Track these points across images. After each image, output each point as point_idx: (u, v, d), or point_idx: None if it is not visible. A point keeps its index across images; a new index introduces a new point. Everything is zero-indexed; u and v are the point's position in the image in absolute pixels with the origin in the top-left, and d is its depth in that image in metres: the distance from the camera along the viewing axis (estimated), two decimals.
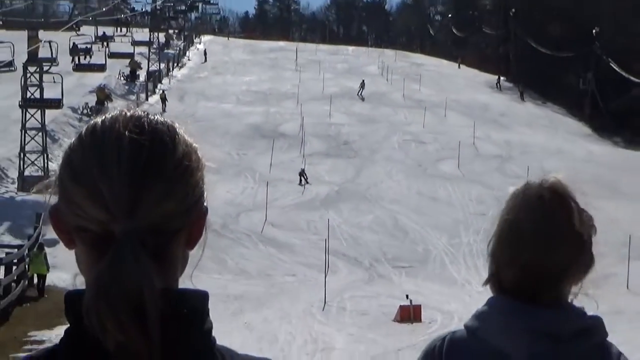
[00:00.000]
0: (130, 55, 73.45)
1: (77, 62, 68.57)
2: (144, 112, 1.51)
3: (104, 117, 1.50)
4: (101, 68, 64.86)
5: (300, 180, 48.58)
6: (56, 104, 47.56)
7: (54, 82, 47.46)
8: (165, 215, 1.42)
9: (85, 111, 58.45)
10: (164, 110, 63.34)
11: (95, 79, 64.46)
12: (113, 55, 71.62)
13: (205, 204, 1.52)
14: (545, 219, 2.29)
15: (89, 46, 75.18)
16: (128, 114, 1.49)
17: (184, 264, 1.53)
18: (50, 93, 46.83)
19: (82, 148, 1.45)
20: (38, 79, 46.26)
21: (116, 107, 1.56)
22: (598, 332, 2.27)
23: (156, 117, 1.50)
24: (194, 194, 1.48)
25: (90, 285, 1.36)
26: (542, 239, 2.28)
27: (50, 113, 48.68)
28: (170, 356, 1.37)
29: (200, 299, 1.47)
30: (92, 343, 1.36)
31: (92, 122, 1.50)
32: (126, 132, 1.43)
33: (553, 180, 2.32)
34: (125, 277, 1.33)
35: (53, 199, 1.49)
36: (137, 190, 1.40)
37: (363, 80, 72.27)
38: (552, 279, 2.27)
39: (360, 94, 70.75)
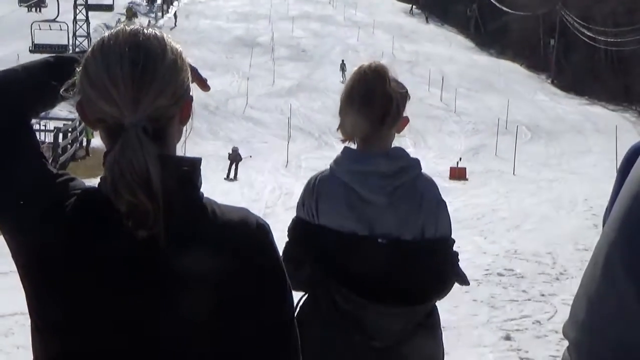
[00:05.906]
0: None
1: (85, 2, 49.99)
2: (140, 27, 1.38)
3: (109, 33, 1.39)
4: (108, 8, 48.41)
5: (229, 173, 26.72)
6: (62, 49, 38.59)
7: (60, 29, 41.61)
8: (160, 108, 1.34)
9: (117, 25, 56.86)
10: (175, 25, 61.88)
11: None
12: None
13: (190, 93, 1.42)
14: (364, 83, 2.33)
15: None
16: (127, 30, 1.37)
17: (179, 135, 1.44)
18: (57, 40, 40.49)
19: (94, 59, 1.34)
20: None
21: (123, 23, 1.42)
22: (414, 169, 2.32)
23: (149, 31, 1.38)
24: (181, 89, 1.38)
25: (108, 163, 1.30)
26: (363, 97, 2.32)
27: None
28: (169, 208, 1.29)
29: (193, 163, 1.38)
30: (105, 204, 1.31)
31: (100, 38, 1.39)
32: (126, 47, 1.33)
33: (376, 63, 2.36)
34: (133, 156, 1.27)
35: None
36: (138, 91, 1.31)
37: (343, 61, 52.06)
38: (375, 125, 2.32)
39: (344, 76, 50.55)
